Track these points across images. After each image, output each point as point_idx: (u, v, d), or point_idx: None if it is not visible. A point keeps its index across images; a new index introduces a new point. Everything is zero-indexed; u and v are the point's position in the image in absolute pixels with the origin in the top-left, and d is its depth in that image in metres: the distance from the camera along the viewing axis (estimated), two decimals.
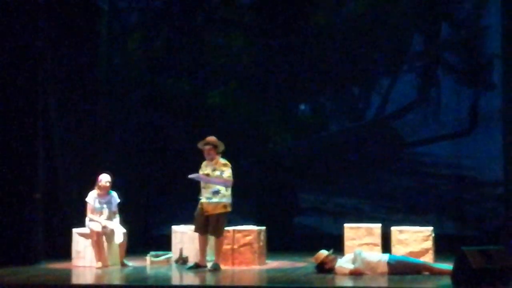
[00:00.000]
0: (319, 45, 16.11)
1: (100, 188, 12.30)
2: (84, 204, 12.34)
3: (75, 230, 12.42)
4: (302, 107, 16.63)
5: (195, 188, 11.91)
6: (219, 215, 11.56)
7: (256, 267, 11.96)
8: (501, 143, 14.23)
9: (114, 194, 12.44)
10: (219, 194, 11.55)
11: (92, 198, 12.28)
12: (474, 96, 15.35)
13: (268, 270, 11.74)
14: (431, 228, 12.18)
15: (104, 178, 12.34)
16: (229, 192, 11.63)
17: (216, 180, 11.57)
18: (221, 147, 11.73)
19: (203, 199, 11.63)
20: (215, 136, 11.86)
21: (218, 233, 11.61)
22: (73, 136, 14.11)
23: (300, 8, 16.07)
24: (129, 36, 16.68)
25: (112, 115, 15.55)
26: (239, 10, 16.67)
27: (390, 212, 15.22)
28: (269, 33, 16.26)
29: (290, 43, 16.17)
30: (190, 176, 11.60)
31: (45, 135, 13.18)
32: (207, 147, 11.67)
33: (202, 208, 11.65)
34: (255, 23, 16.51)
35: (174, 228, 12.94)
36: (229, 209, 11.63)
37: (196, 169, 11.80)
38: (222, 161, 11.69)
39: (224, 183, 11.55)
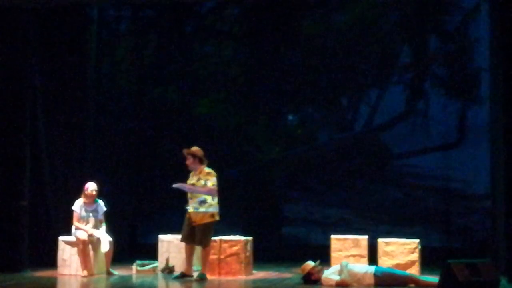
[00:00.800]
0: (308, 55, 16.14)
1: (86, 196, 12.27)
2: (70, 212, 12.30)
3: (61, 238, 12.38)
4: (291, 117, 16.65)
5: (182, 197, 11.91)
6: (206, 224, 11.55)
7: (243, 278, 11.95)
8: (488, 156, 14.24)
9: (101, 202, 12.42)
10: (206, 204, 11.55)
11: (78, 206, 12.24)
12: (462, 109, 15.40)
13: (254, 281, 11.72)
14: (417, 240, 12.19)
15: (91, 187, 12.31)
16: (215, 201, 11.63)
17: (200, 189, 11.57)
18: (204, 160, 11.72)
19: (190, 209, 11.62)
20: (203, 145, 11.87)
21: (205, 243, 11.60)
22: (60, 144, 14.06)
23: (289, 18, 16.09)
24: (118, 44, 16.67)
25: (100, 124, 15.52)
26: (228, 19, 16.70)
27: (377, 224, 15.23)
28: (258, 43, 16.29)
29: (279, 53, 16.20)
30: (174, 185, 11.60)
31: (32, 142, 13.15)
32: (188, 156, 11.70)
33: (189, 218, 11.64)
34: (244, 32, 16.54)
35: (161, 237, 12.92)
36: (216, 218, 11.62)
37: (183, 178, 11.79)
38: (207, 170, 11.69)
39: (209, 192, 11.55)
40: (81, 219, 12.21)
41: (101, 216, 12.36)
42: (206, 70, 16.51)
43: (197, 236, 11.58)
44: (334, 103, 16.45)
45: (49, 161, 13.80)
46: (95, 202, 12.35)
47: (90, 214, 12.27)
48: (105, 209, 12.43)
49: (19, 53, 12.91)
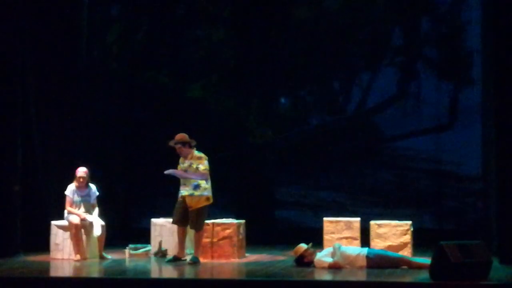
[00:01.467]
0: (299, 38, 16.12)
1: (78, 181, 12.26)
2: (62, 197, 12.29)
3: (53, 223, 12.38)
4: (283, 100, 16.64)
5: (174, 181, 11.89)
6: (202, 208, 11.54)
7: (235, 261, 11.96)
8: (480, 138, 14.25)
9: (93, 187, 12.41)
10: (200, 188, 11.53)
11: (70, 191, 12.23)
12: (454, 91, 15.41)
13: (247, 264, 11.74)
14: (410, 222, 12.22)
15: (82, 171, 12.29)
16: (209, 184, 11.63)
17: (192, 174, 11.54)
18: (192, 142, 11.70)
19: (185, 193, 11.58)
20: (195, 129, 11.86)
21: (198, 226, 11.60)
22: (52, 128, 14.03)
23: (281, 2, 16.07)
24: (109, 28, 16.60)
25: (91, 108, 15.48)
26: (220, 3, 16.64)
27: (369, 206, 15.25)
28: (250, 26, 16.25)
29: (271, 36, 16.16)
30: (166, 172, 11.57)
31: (24, 127, 13.11)
32: (176, 146, 11.65)
33: (183, 201, 11.62)
34: (236, 16, 16.49)
35: (153, 221, 12.91)
36: (211, 201, 11.62)
37: (175, 162, 11.79)
38: (197, 154, 11.65)
39: (201, 176, 11.54)
40: (74, 203, 12.21)
41: (93, 201, 12.36)
42: (197, 54, 16.47)
43: (191, 219, 11.58)
44: (326, 86, 16.45)
45: (41, 145, 13.77)
46: (87, 186, 12.34)
47: (83, 199, 12.26)
48: (97, 193, 12.42)
49: (10, 36, 12.86)
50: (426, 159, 15.50)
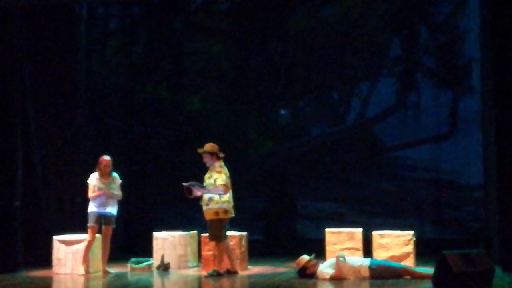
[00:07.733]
0: (298, 49, 16.15)
1: (103, 169, 12.11)
2: (63, 211, 12.28)
3: (55, 238, 12.36)
4: (282, 112, 16.65)
5: (175, 194, 11.87)
6: (212, 221, 11.49)
7: (238, 273, 11.93)
8: (480, 146, 14.27)
9: (116, 175, 12.28)
10: (213, 201, 11.44)
11: (94, 179, 12.11)
12: (453, 100, 15.42)
13: (250, 276, 11.72)
14: (412, 232, 12.20)
15: (106, 159, 12.17)
16: (224, 198, 11.47)
17: (208, 189, 11.45)
18: (220, 154, 11.66)
19: (203, 206, 11.55)
20: (194, 141, 11.84)
21: (214, 238, 11.53)
22: (52, 143, 14.04)
23: (278, 13, 16.10)
24: (107, 42, 16.64)
25: (91, 122, 15.50)
26: (218, 15, 16.69)
27: (370, 217, 15.25)
28: (248, 39, 16.29)
29: (269, 48, 16.19)
30: (187, 184, 11.47)
31: (23, 142, 13.11)
32: (203, 156, 11.61)
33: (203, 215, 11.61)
34: (234, 28, 16.53)
35: (155, 234, 12.91)
36: (221, 216, 11.46)
37: (176, 175, 11.76)
38: (218, 168, 11.59)
39: (216, 191, 11.43)
40: (98, 190, 12.07)
41: (118, 189, 12.20)
42: (196, 67, 16.49)
43: (208, 231, 11.59)
44: (325, 97, 16.47)
45: (41, 161, 13.77)
46: (110, 175, 12.22)
47: (106, 186, 12.10)
48: (120, 181, 12.31)
49: (9, 52, 12.87)
50: (427, 168, 15.49)
